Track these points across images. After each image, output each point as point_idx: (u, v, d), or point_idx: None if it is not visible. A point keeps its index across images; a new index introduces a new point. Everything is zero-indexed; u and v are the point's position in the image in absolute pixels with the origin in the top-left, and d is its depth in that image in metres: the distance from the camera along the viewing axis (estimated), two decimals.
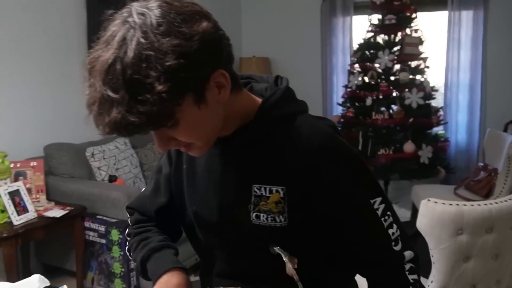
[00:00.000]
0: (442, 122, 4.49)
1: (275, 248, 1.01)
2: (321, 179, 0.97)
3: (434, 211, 1.72)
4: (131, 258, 1.21)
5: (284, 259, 1.00)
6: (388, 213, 1.01)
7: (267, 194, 0.99)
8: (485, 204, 1.73)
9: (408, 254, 1.01)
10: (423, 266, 1.10)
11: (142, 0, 0.84)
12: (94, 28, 3.79)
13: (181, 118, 0.83)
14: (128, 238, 1.22)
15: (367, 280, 1.07)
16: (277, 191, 0.98)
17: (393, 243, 1.00)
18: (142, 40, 0.77)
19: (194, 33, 0.81)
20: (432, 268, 1.80)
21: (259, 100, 1.02)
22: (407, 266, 1.01)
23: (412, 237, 2.11)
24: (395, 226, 1.01)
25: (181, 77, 0.78)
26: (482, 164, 3.72)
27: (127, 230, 1.24)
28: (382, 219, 1.00)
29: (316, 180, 0.97)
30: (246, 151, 1.01)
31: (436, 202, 1.72)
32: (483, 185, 3.38)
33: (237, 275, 1.11)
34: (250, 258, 1.08)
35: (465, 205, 1.71)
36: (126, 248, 1.23)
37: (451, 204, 1.71)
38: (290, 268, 1.00)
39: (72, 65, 3.67)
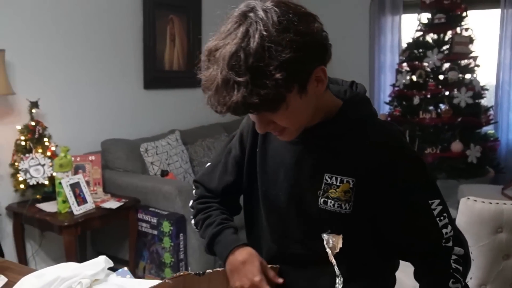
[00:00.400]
0: (492, 121, 4.42)
1: (323, 234, 1.12)
2: (387, 174, 1.08)
3: (473, 209, 1.75)
4: (198, 231, 1.33)
5: (326, 246, 1.10)
6: (444, 214, 1.10)
7: (338, 183, 1.10)
8: None
9: (457, 250, 1.11)
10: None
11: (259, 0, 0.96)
12: (150, 29, 3.98)
13: (287, 104, 0.95)
14: (192, 210, 1.35)
15: (413, 265, 1.17)
16: (347, 181, 1.09)
17: (444, 241, 1.10)
18: (264, 33, 0.89)
19: (308, 31, 0.94)
20: (471, 265, 1.84)
21: (339, 100, 1.14)
22: (453, 257, 1.10)
23: None
24: (449, 227, 1.10)
25: (294, 68, 0.90)
26: None
27: (191, 202, 1.36)
28: (438, 218, 1.09)
29: (382, 175, 1.08)
30: (323, 143, 1.13)
31: (475, 200, 1.76)
32: None
33: (286, 257, 1.21)
34: (305, 241, 1.18)
35: (504, 203, 1.74)
36: (192, 221, 1.35)
37: (490, 203, 1.74)
38: (330, 256, 1.10)
39: (128, 64, 3.88)
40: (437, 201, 1.10)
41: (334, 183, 1.10)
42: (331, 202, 1.10)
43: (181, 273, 1.11)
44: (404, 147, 1.12)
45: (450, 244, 1.10)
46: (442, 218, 1.09)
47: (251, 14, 0.92)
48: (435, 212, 1.09)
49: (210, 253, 1.26)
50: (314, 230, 1.15)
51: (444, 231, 1.09)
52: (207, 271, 1.15)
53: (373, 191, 1.09)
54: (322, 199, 1.11)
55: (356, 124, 1.11)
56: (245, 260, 1.15)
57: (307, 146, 1.14)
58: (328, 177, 1.10)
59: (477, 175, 4.16)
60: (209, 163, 1.38)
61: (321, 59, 0.99)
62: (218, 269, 1.16)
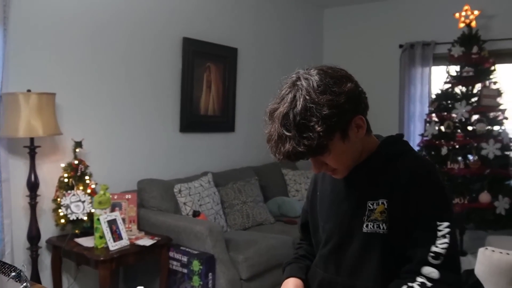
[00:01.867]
0: None
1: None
2: (407, 198, 1.22)
3: (491, 259, 1.82)
4: None
5: None
6: (447, 236, 1.17)
7: (375, 206, 1.25)
8: None
9: (434, 272, 1.16)
10: None
11: (306, 69, 1.21)
12: (188, 76, 4.20)
13: (332, 149, 1.18)
14: None
15: None
16: (382, 203, 1.25)
17: (431, 255, 1.16)
18: (307, 97, 1.13)
19: (342, 91, 1.16)
20: None
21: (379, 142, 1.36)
22: (419, 279, 1.17)
23: (475, 284, 2.20)
24: (446, 250, 1.16)
25: (333, 121, 1.13)
26: None
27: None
28: (439, 239, 1.17)
29: (404, 198, 1.22)
30: (365, 177, 1.31)
31: (493, 250, 1.82)
32: None
33: (336, 281, 1.35)
34: (354, 270, 1.31)
35: None
36: None
37: (508, 253, 1.80)
38: None
39: (166, 108, 4.09)
40: (445, 224, 1.18)
41: (374, 207, 1.26)
42: (371, 224, 1.25)
43: None
44: (427, 174, 1.24)
45: (435, 262, 1.16)
46: (443, 238, 1.17)
47: (298, 82, 1.17)
48: (440, 233, 1.17)
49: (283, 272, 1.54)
50: (362, 258, 1.28)
51: (438, 248, 1.16)
52: None
53: (401, 212, 1.22)
54: (365, 224, 1.27)
55: (390, 158, 1.29)
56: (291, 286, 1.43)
57: (353, 181, 1.33)
58: (370, 204, 1.27)
59: (506, 226, 4.15)
60: None
61: (356, 110, 1.20)
62: None
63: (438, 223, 1.18)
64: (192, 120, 4.32)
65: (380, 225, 1.24)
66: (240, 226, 4.06)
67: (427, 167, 1.26)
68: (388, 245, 1.24)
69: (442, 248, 1.16)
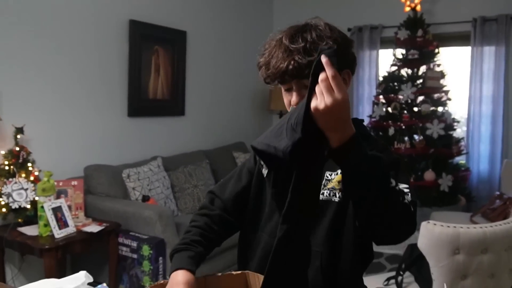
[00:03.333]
0: (462, 152, 4.59)
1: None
2: None
3: (433, 232, 1.88)
4: None
5: None
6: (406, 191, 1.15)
7: (334, 176, 1.28)
8: (480, 227, 1.88)
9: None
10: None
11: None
12: (135, 59, 4.10)
13: None
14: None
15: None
16: (341, 173, 1.24)
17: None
18: (319, 28, 1.22)
19: (347, 39, 1.26)
20: (433, 284, 1.95)
21: None
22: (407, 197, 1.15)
23: (418, 257, 2.27)
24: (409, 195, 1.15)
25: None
26: (498, 193, 3.82)
27: (193, 216, 1.46)
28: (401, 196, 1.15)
29: None
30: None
31: (435, 224, 1.88)
32: (498, 213, 3.48)
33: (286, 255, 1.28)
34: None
35: (461, 227, 1.86)
36: None
37: (448, 226, 1.87)
38: None
39: (113, 93, 3.99)
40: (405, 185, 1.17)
41: (332, 177, 1.28)
42: (327, 192, 1.28)
43: (161, 281, 1.21)
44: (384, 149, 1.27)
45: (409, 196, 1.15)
46: (403, 194, 1.13)
47: (311, 22, 1.26)
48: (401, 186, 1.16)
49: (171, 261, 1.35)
50: (314, 223, 1.27)
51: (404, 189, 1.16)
52: None
53: None
54: (321, 192, 1.27)
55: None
56: (181, 282, 1.22)
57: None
58: (328, 174, 1.29)
59: (450, 203, 4.31)
60: (223, 179, 1.54)
61: (351, 64, 1.27)
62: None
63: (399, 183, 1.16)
64: (141, 105, 4.24)
65: (336, 193, 1.27)
66: (191, 210, 4.04)
67: (382, 147, 1.29)
68: (340, 213, 1.27)
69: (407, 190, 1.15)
